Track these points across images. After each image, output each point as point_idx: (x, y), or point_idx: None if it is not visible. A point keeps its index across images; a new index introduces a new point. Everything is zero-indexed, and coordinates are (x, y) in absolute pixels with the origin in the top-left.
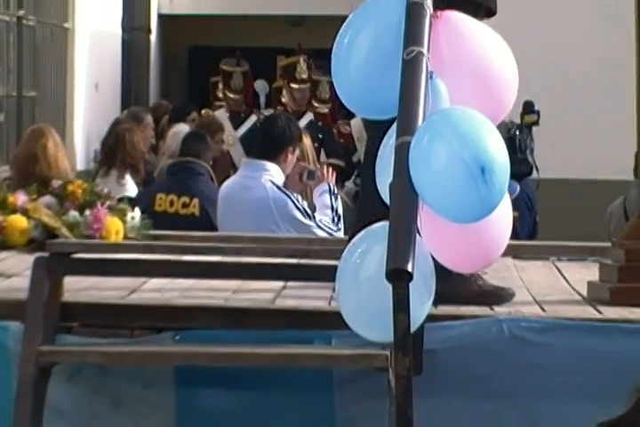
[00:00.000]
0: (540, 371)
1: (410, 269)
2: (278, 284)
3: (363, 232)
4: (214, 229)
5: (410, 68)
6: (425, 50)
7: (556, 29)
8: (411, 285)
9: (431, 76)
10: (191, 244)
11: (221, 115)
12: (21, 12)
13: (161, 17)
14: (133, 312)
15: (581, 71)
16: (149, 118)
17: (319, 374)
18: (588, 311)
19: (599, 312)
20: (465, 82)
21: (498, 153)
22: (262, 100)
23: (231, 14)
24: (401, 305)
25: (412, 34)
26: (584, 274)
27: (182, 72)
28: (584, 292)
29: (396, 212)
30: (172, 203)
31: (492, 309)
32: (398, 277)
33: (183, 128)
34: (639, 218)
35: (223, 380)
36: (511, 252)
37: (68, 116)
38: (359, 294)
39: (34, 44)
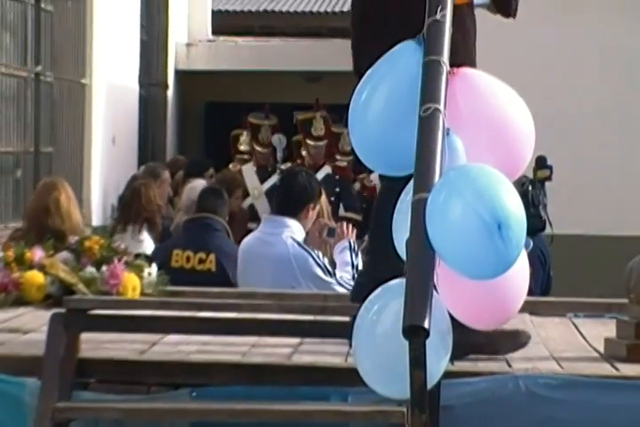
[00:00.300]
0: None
1: (426, 325)
2: (295, 340)
3: (380, 289)
4: (231, 284)
5: (426, 125)
6: (442, 106)
7: (561, 80)
8: (427, 341)
9: (448, 133)
10: (208, 300)
11: (249, 169)
12: (39, 68)
13: (178, 73)
14: (150, 368)
15: (592, 121)
16: (167, 174)
17: None
18: (605, 368)
19: (616, 369)
20: (482, 138)
21: (514, 208)
22: (279, 154)
23: (247, 70)
24: (417, 361)
25: (429, 91)
26: (601, 330)
27: (199, 127)
28: (601, 348)
29: (413, 268)
30: (188, 259)
31: (509, 366)
32: (415, 333)
33: (199, 183)
34: None
35: None
36: (528, 308)
37: (85, 172)
38: (375, 351)
39: (51, 99)
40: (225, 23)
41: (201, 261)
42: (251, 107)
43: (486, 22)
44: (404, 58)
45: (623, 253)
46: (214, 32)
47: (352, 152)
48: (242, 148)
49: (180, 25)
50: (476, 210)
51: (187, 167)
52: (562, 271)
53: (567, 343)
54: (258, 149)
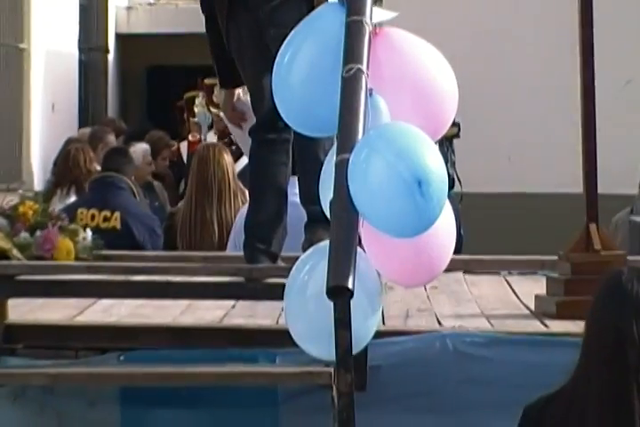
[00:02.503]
0: (483, 385)
1: (350, 285)
2: (228, 303)
3: (311, 249)
4: (137, 243)
5: (349, 86)
6: (364, 67)
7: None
8: (354, 301)
9: (371, 93)
10: (137, 264)
11: (212, 138)
12: None
13: (118, 37)
14: (77, 333)
15: (508, 79)
16: (111, 138)
17: (264, 391)
18: (534, 325)
19: (545, 326)
20: (405, 97)
21: (435, 166)
22: (204, 130)
23: (189, 33)
24: (342, 322)
25: (351, 51)
26: (534, 288)
27: (140, 92)
28: (532, 305)
29: (336, 229)
30: (93, 217)
31: (440, 324)
32: (338, 293)
33: (140, 147)
34: (585, 231)
35: (168, 398)
36: (462, 266)
37: (24, 138)
38: (306, 311)
39: None
40: None
41: (105, 219)
42: (192, 70)
43: None
44: (326, 18)
45: (534, 211)
46: None
47: None
48: (197, 110)
49: None
50: (396, 168)
51: (126, 131)
52: (472, 230)
53: (499, 301)
54: (215, 111)
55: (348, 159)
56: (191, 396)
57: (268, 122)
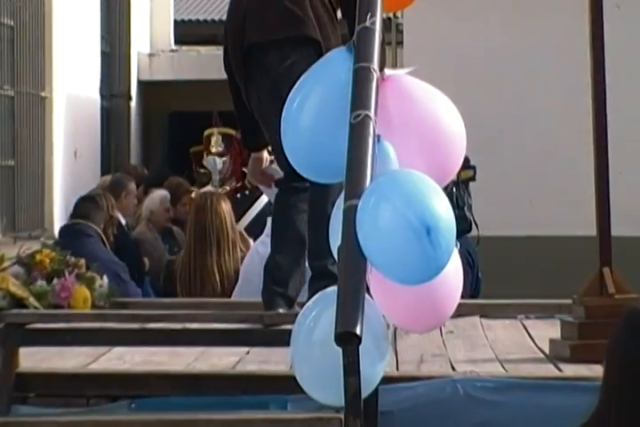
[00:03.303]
0: None
1: (358, 332)
2: (243, 349)
3: (317, 295)
4: None
5: (357, 132)
6: (372, 113)
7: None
8: (362, 347)
9: (379, 140)
10: (146, 311)
11: None
12: None
13: (140, 83)
14: (89, 381)
15: (519, 124)
16: (132, 185)
17: None
18: (549, 369)
19: (559, 370)
20: (413, 144)
21: (443, 212)
22: (215, 177)
23: (211, 79)
24: (351, 368)
25: (359, 97)
26: (550, 332)
27: (163, 138)
28: (547, 350)
29: (344, 275)
30: None
31: (454, 369)
32: (347, 340)
33: (159, 193)
34: (598, 275)
35: None
36: (478, 310)
37: (47, 185)
38: (312, 358)
39: (11, 113)
40: (187, 33)
41: None
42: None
43: None
44: (334, 65)
45: (550, 254)
46: (177, 42)
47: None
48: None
49: (141, 35)
50: (405, 215)
51: (146, 178)
52: (490, 273)
53: (514, 345)
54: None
55: (357, 205)
56: None
57: (295, 172)
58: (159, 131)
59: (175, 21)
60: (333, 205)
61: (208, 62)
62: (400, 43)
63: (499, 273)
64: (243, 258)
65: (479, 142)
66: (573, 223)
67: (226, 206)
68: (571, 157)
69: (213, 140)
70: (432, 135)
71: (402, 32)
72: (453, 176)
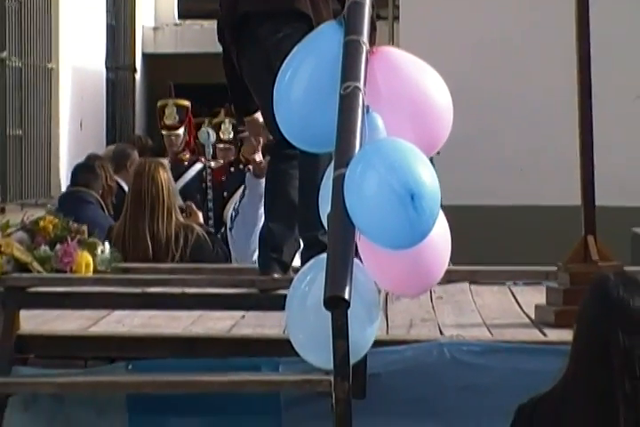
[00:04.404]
0: (479, 392)
1: (347, 296)
2: (239, 313)
3: (312, 261)
4: None
5: (346, 103)
6: (361, 84)
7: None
8: (353, 312)
9: (368, 110)
10: (145, 276)
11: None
12: (5, 54)
13: (145, 56)
14: (87, 344)
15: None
16: (135, 154)
17: (267, 398)
18: (533, 334)
19: (544, 334)
20: (401, 114)
21: (427, 180)
22: (208, 149)
23: (213, 52)
24: (339, 331)
25: (349, 69)
26: (537, 298)
27: None
28: (533, 315)
29: (333, 242)
30: None
31: (442, 333)
32: (335, 304)
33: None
34: (583, 242)
35: (174, 406)
36: (468, 277)
37: (53, 154)
38: (306, 322)
39: (19, 84)
40: (191, 7)
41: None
42: (216, 87)
43: None
44: (325, 38)
45: (539, 222)
46: (180, 16)
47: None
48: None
49: (146, 9)
50: (389, 182)
51: (150, 148)
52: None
53: (501, 310)
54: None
55: (345, 174)
56: (197, 403)
57: (285, 139)
58: None
59: None
60: (322, 178)
61: (211, 36)
62: (397, 18)
63: (489, 241)
64: (181, 226)
65: (475, 116)
66: (562, 193)
67: (164, 174)
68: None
69: (167, 111)
70: (419, 106)
71: (398, 7)
72: (440, 146)
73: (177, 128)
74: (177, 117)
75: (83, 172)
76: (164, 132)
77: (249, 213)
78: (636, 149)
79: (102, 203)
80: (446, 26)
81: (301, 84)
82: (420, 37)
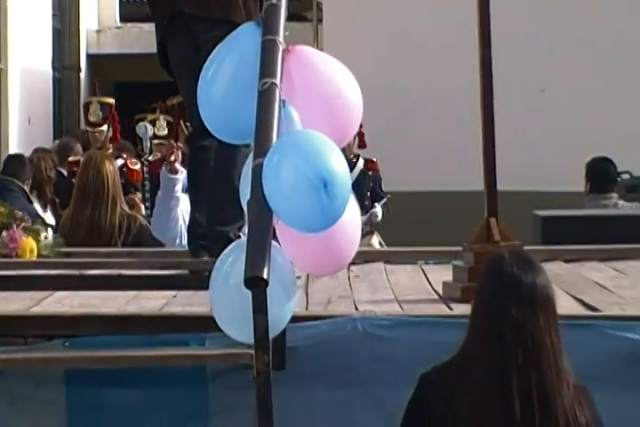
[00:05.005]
0: (389, 363)
1: (265, 276)
2: (170, 293)
3: (233, 244)
4: None
5: (264, 98)
6: (278, 81)
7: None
8: (271, 291)
9: (284, 105)
10: (90, 259)
11: None
12: None
13: (89, 56)
14: (27, 323)
15: (428, 93)
16: (78, 147)
17: (194, 371)
18: (440, 308)
19: (450, 309)
20: (315, 108)
21: (338, 168)
22: (146, 143)
23: (152, 53)
24: (259, 309)
25: (266, 67)
26: (445, 275)
27: None
28: (442, 291)
29: (253, 226)
30: None
31: (357, 308)
32: (255, 283)
33: None
34: (486, 224)
35: (108, 379)
36: (383, 257)
37: (2, 149)
38: (228, 300)
39: None
40: (131, 11)
41: None
42: (156, 86)
43: None
44: (245, 38)
45: (451, 206)
46: (122, 19)
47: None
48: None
49: (90, 13)
50: (304, 171)
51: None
52: (398, 224)
53: (412, 287)
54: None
55: (263, 163)
56: (130, 377)
57: (204, 129)
58: None
59: (120, 1)
60: (239, 176)
61: (150, 37)
62: (320, 20)
63: (407, 224)
64: (125, 215)
65: (393, 109)
66: (471, 180)
67: (109, 166)
68: (468, 120)
69: (92, 108)
70: (331, 100)
71: (322, 10)
72: (351, 137)
73: (101, 125)
74: (100, 114)
75: (11, 162)
76: (88, 129)
77: (163, 205)
78: (538, 137)
79: (27, 191)
80: (367, 27)
81: (223, 79)
82: (342, 38)
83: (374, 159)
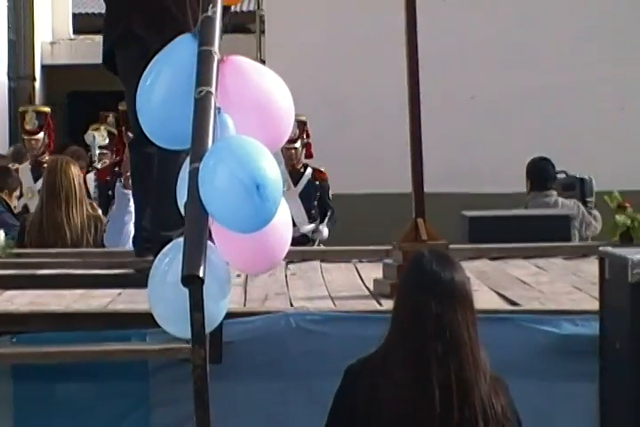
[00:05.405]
0: (320, 356)
1: (201, 274)
2: (116, 291)
3: (170, 244)
4: None
5: (200, 106)
6: (213, 89)
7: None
8: (207, 288)
9: (219, 112)
10: (41, 259)
11: (24, 168)
12: None
13: (43, 67)
14: None
15: (363, 102)
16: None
17: (136, 365)
18: (370, 304)
19: (380, 304)
20: (248, 115)
21: (270, 172)
22: (95, 151)
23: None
24: (196, 305)
25: (202, 76)
26: (377, 273)
27: (62, 114)
28: (372, 288)
29: (189, 227)
30: None
31: (292, 305)
32: (192, 281)
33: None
34: (413, 224)
35: (54, 374)
36: (319, 256)
37: None
38: (166, 297)
39: None
40: (84, 24)
41: None
42: (107, 94)
43: None
44: (181, 48)
45: (385, 208)
46: (75, 31)
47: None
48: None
49: (44, 26)
50: (238, 174)
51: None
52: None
53: (346, 284)
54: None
55: (199, 167)
56: (75, 371)
57: (144, 135)
58: (60, 108)
59: (74, 14)
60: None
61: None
62: (263, 31)
63: (344, 224)
64: (91, 216)
65: (330, 116)
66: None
67: (75, 169)
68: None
69: (28, 117)
70: (263, 107)
71: (264, 22)
72: (283, 142)
73: (36, 133)
74: (36, 123)
75: None
76: (24, 137)
77: (117, 219)
78: (467, 141)
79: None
80: (308, 38)
81: (161, 88)
82: (283, 48)
83: (322, 169)
